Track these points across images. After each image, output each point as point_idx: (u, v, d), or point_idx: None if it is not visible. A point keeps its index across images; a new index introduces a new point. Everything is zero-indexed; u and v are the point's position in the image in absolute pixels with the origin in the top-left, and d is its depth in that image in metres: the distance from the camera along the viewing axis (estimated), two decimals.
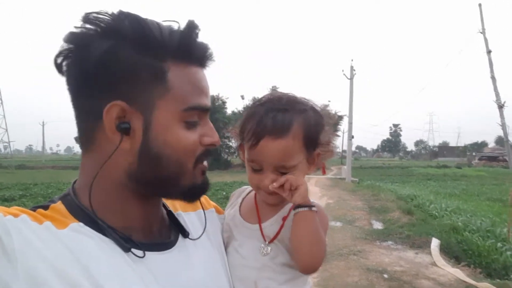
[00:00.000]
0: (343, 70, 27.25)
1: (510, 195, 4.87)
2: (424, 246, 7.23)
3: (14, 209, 0.66)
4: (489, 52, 4.91)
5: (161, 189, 0.78)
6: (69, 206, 0.73)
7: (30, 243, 0.60)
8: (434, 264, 6.20)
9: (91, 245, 0.67)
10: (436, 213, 10.62)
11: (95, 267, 0.64)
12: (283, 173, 0.89)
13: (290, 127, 0.87)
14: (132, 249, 0.70)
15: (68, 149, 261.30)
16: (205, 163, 0.80)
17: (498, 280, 5.50)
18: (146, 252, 0.73)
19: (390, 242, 7.72)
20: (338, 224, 9.58)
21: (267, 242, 0.93)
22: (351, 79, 26.79)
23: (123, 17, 0.68)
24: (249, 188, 1.06)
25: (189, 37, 0.73)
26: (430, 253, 6.75)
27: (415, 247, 7.23)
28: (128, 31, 0.67)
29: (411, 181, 23.70)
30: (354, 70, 27.04)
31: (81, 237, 0.67)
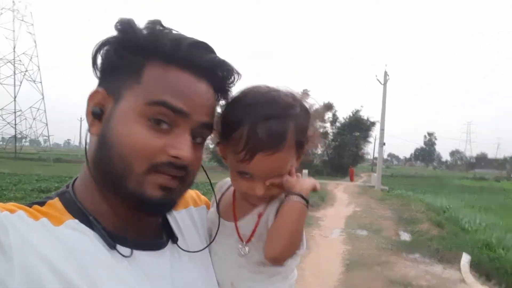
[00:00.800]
0: (376, 75, 26.80)
1: None
2: (453, 261, 6.95)
3: (11, 205, 0.67)
4: None
5: (110, 185, 0.73)
6: (66, 203, 0.73)
7: (26, 239, 0.61)
8: (462, 280, 5.95)
9: (85, 242, 0.67)
10: (469, 227, 10.18)
11: (89, 264, 0.64)
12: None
13: (285, 139, 0.82)
14: (118, 247, 0.70)
15: None
16: (166, 178, 0.71)
17: None
18: (137, 251, 0.73)
19: (417, 255, 7.47)
20: (364, 233, 9.38)
21: (244, 242, 0.90)
22: (385, 84, 26.24)
23: (128, 21, 0.72)
24: (229, 181, 1.01)
25: (178, 42, 0.72)
26: (459, 269, 6.49)
27: (444, 262, 6.97)
28: (123, 32, 0.72)
29: (444, 193, 22.84)
30: (388, 75, 26.51)
31: (76, 234, 0.67)
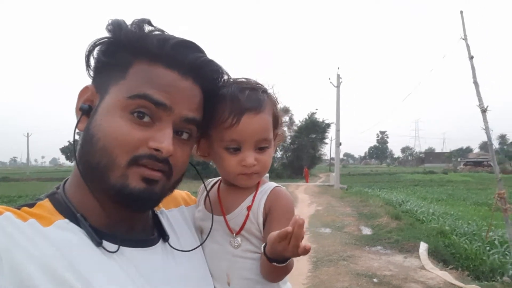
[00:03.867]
0: (329, 78, 27.59)
1: (494, 199, 4.94)
2: (412, 250, 7.27)
3: None
4: (471, 58, 4.98)
5: (94, 180, 0.73)
6: (56, 203, 0.73)
7: (14, 240, 0.60)
8: (422, 267, 6.23)
9: (75, 241, 0.67)
10: (424, 218, 10.72)
11: (79, 261, 0.64)
12: (261, 150, 0.91)
13: (264, 103, 0.90)
14: (105, 243, 0.70)
15: (54, 160, 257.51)
16: (148, 170, 0.71)
17: (485, 282, 5.57)
18: (127, 248, 0.73)
19: (379, 247, 7.74)
20: (328, 230, 9.58)
21: (234, 234, 0.92)
22: (338, 87, 27.06)
23: (117, 22, 0.74)
24: (214, 180, 1.06)
25: (164, 41, 0.73)
26: (418, 257, 6.79)
27: (404, 252, 7.27)
28: (113, 32, 0.74)
29: (399, 187, 23.90)
30: (341, 78, 27.34)
31: (66, 234, 0.67)
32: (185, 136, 0.78)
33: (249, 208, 0.92)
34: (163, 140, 0.71)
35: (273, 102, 0.95)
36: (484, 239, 7.80)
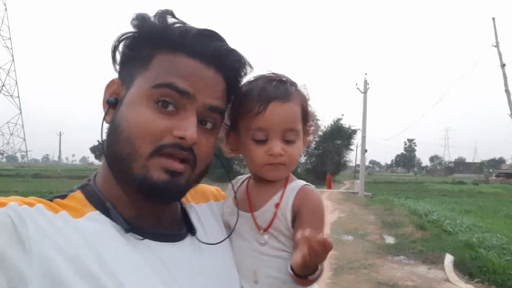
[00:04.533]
0: (356, 84, 27.32)
1: None
2: (437, 261, 7.11)
3: (31, 198, 0.67)
4: (503, 65, 4.90)
5: (117, 169, 0.74)
6: (88, 195, 0.75)
7: (44, 232, 0.61)
8: (447, 280, 6.09)
9: (104, 233, 0.68)
10: (451, 229, 10.42)
11: (106, 253, 0.65)
12: (288, 142, 0.90)
13: (292, 93, 0.91)
14: (132, 235, 0.71)
15: (84, 159, 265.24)
16: (172, 161, 0.71)
17: None
18: (153, 242, 0.74)
19: (402, 257, 7.61)
20: (350, 238, 9.49)
21: (262, 231, 0.92)
22: (365, 92, 26.76)
23: (140, 16, 0.76)
24: (242, 178, 1.05)
25: (186, 32, 0.74)
26: (443, 269, 6.64)
27: (428, 263, 7.12)
28: (137, 26, 0.76)
29: (426, 197, 23.27)
30: (368, 84, 27.05)
31: (97, 226, 0.68)
32: (209, 125, 0.77)
33: (277, 205, 0.92)
34: (188, 128, 0.70)
35: (303, 95, 0.95)
36: None
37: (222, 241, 0.87)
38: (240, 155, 0.98)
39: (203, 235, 0.86)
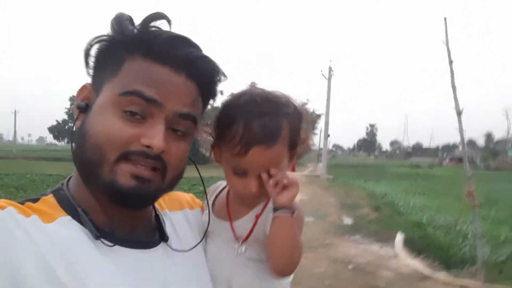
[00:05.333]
0: (321, 71, 27.85)
1: (465, 193, 5.26)
2: (389, 240, 7.60)
3: (2, 201, 0.66)
4: (451, 62, 5.14)
5: (86, 175, 0.74)
6: (60, 200, 0.74)
7: (13, 236, 0.60)
8: (396, 256, 6.58)
9: (75, 239, 0.67)
10: (404, 210, 11.06)
11: (76, 260, 0.64)
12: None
13: (279, 134, 0.83)
14: (102, 239, 0.70)
15: (41, 139, 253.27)
16: (140, 166, 0.70)
17: (453, 271, 5.91)
18: (125, 249, 0.73)
19: (358, 236, 8.08)
20: (311, 219, 9.87)
21: (240, 242, 0.91)
22: (329, 79, 27.34)
23: (113, 19, 0.74)
24: (222, 184, 1.03)
25: (156, 37, 0.73)
26: (394, 247, 7.12)
27: (381, 241, 7.59)
28: (112, 30, 0.74)
29: (384, 180, 24.30)
30: (332, 71, 27.68)
31: (68, 232, 0.67)
32: (180, 133, 0.76)
33: (258, 216, 0.90)
34: (154, 136, 0.69)
35: (294, 125, 0.88)
36: (458, 232, 8.17)
37: (193, 247, 0.87)
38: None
39: (176, 243, 0.85)
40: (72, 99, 69.36)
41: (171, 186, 0.79)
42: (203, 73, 0.77)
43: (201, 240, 0.92)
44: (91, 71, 0.77)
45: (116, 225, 0.75)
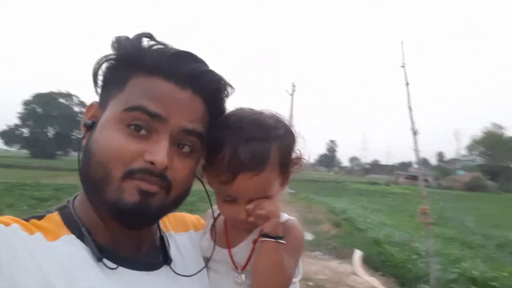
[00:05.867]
0: (286, 90, 28.73)
1: (418, 213, 5.48)
2: (348, 256, 7.74)
3: (7, 218, 0.66)
4: (407, 84, 5.45)
5: (91, 194, 0.73)
6: (65, 217, 0.73)
7: (16, 254, 0.60)
8: (354, 273, 6.69)
9: (78, 257, 0.67)
10: (362, 227, 11.33)
11: (78, 279, 0.63)
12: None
13: (268, 159, 0.80)
14: (106, 261, 0.69)
15: None
16: (143, 183, 0.69)
17: None
18: (128, 270, 0.72)
19: (318, 252, 8.15)
20: None
21: (239, 270, 0.88)
22: (292, 94, 27.97)
23: (118, 39, 0.75)
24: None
25: (161, 54, 0.73)
26: (351, 264, 7.25)
27: (340, 258, 7.71)
28: (116, 50, 0.75)
29: (344, 196, 24.87)
30: (295, 87, 28.38)
31: (70, 250, 0.67)
32: (186, 149, 0.75)
33: (255, 241, 0.87)
34: (157, 152, 0.68)
35: (284, 147, 0.85)
36: (413, 249, 8.46)
37: (195, 273, 0.84)
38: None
39: (181, 266, 0.84)
40: (26, 103, 66.19)
41: (175, 205, 0.78)
42: (209, 88, 0.76)
43: (203, 268, 0.89)
44: (99, 90, 0.78)
45: (120, 245, 0.74)
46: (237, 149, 0.79)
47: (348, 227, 11.19)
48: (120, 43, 0.74)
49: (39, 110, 66.79)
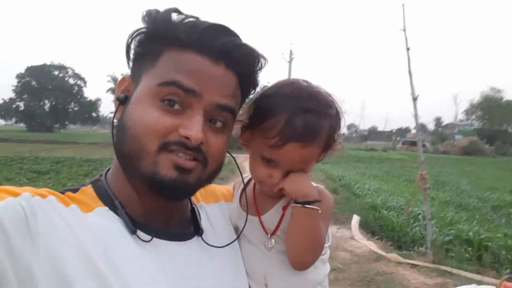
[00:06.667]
0: (282, 53, 27.93)
1: (416, 179, 5.51)
2: (346, 222, 7.89)
3: (44, 190, 0.68)
4: (408, 49, 5.35)
5: (126, 167, 0.74)
6: (98, 190, 0.75)
7: (54, 225, 0.62)
8: (352, 238, 6.83)
9: (112, 229, 0.69)
10: (360, 193, 11.51)
11: (113, 250, 0.65)
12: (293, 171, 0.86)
13: (319, 135, 0.82)
14: (140, 233, 0.71)
15: None
16: (181, 156, 0.70)
17: (404, 251, 6.24)
18: (162, 240, 0.74)
19: None
20: None
21: (269, 235, 0.90)
22: (290, 62, 27.48)
23: (148, 12, 0.74)
24: (247, 177, 1.01)
25: (194, 27, 0.72)
26: (350, 228, 7.39)
27: (338, 223, 7.85)
28: (147, 23, 0.74)
29: (342, 162, 25.09)
30: (293, 54, 27.78)
31: (104, 221, 0.69)
32: (219, 124, 0.75)
33: (285, 208, 0.89)
34: (192, 127, 0.69)
35: (333, 127, 0.87)
36: (409, 213, 8.62)
37: (226, 245, 0.85)
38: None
39: (212, 236, 0.85)
40: (19, 76, 65.22)
41: (211, 178, 0.79)
42: (242, 63, 0.76)
43: (235, 239, 0.90)
44: (131, 64, 0.78)
45: (152, 217, 0.76)
46: (293, 116, 0.80)
47: (346, 193, 11.35)
48: (151, 17, 0.73)
49: (33, 83, 65.90)
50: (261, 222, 0.91)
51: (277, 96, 0.84)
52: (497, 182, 16.57)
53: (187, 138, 0.69)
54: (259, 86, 0.84)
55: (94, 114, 72.24)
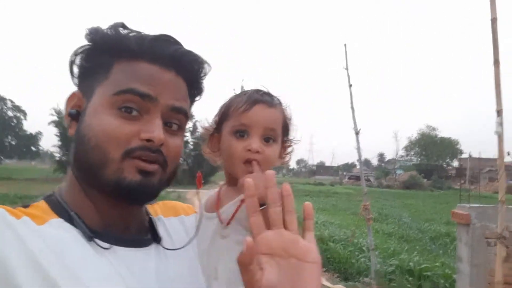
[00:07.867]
0: (234, 89, 28.45)
1: (360, 210, 5.73)
2: None
3: None
4: (350, 86, 5.76)
5: (90, 179, 0.74)
6: (52, 204, 0.74)
7: (3, 236, 0.61)
8: None
9: (68, 238, 0.67)
10: None
11: (70, 258, 0.64)
12: (267, 141, 0.94)
13: (277, 104, 0.98)
14: (97, 241, 0.70)
15: None
16: (144, 159, 0.72)
17: (350, 282, 6.35)
18: (120, 247, 0.74)
19: None
20: None
21: (224, 225, 0.93)
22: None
23: (94, 29, 0.77)
24: (214, 190, 1.06)
25: (142, 39, 0.75)
26: None
27: None
28: (93, 39, 0.77)
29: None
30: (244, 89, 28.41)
31: (59, 232, 0.68)
32: (174, 127, 0.79)
33: (243, 200, 0.90)
34: (154, 129, 0.71)
35: (285, 111, 1.00)
36: (355, 245, 8.85)
37: (185, 245, 0.86)
38: (218, 159, 1.02)
39: (169, 244, 0.86)
40: None
41: (170, 180, 0.81)
42: (190, 68, 0.81)
43: (194, 237, 0.90)
44: (76, 81, 0.79)
45: (110, 225, 0.76)
46: (253, 93, 0.97)
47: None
48: (98, 32, 0.76)
49: None
50: (218, 214, 0.95)
51: (239, 95, 0.98)
52: (434, 214, 17.61)
53: (149, 140, 0.71)
54: (203, 92, 0.90)
55: (33, 149, 67.97)
